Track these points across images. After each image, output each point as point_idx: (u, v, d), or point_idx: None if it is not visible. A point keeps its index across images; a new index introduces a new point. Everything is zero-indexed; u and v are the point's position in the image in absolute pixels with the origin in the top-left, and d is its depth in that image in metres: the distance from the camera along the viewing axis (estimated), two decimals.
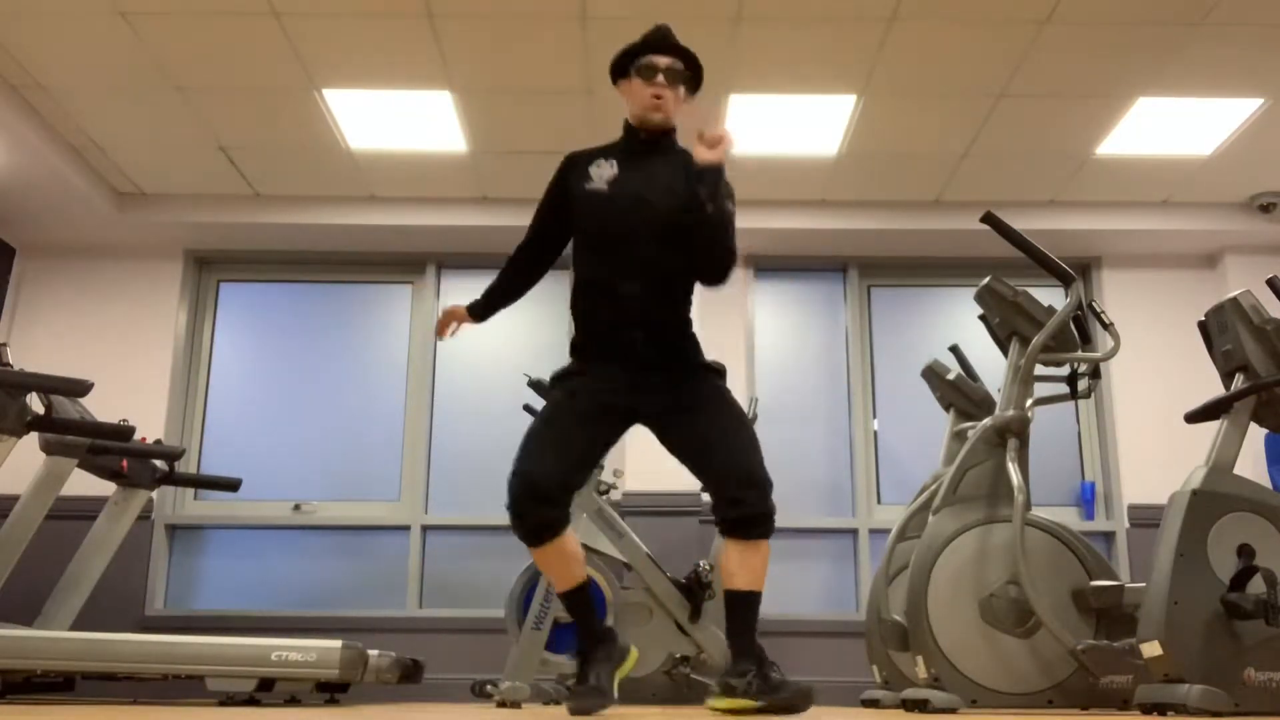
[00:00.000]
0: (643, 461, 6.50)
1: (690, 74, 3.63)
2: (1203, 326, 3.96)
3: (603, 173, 3.58)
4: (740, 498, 3.34)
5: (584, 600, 3.49)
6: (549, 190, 3.69)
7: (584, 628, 3.51)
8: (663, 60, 3.56)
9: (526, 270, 3.83)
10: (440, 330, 3.95)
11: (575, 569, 3.45)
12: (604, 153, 3.65)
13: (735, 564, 3.39)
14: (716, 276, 3.53)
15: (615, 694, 3.40)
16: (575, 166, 3.64)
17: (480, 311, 3.91)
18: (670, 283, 3.54)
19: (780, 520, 6.64)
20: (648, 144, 3.62)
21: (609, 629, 3.55)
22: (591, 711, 3.26)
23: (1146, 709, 3.58)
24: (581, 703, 3.26)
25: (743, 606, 3.44)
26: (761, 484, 3.36)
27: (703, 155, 3.38)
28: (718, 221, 3.41)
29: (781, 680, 3.32)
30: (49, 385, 4.63)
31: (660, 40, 3.60)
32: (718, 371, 3.61)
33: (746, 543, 3.38)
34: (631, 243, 3.49)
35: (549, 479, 3.30)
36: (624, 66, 3.63)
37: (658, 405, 3.49)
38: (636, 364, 3.51)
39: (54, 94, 5.77)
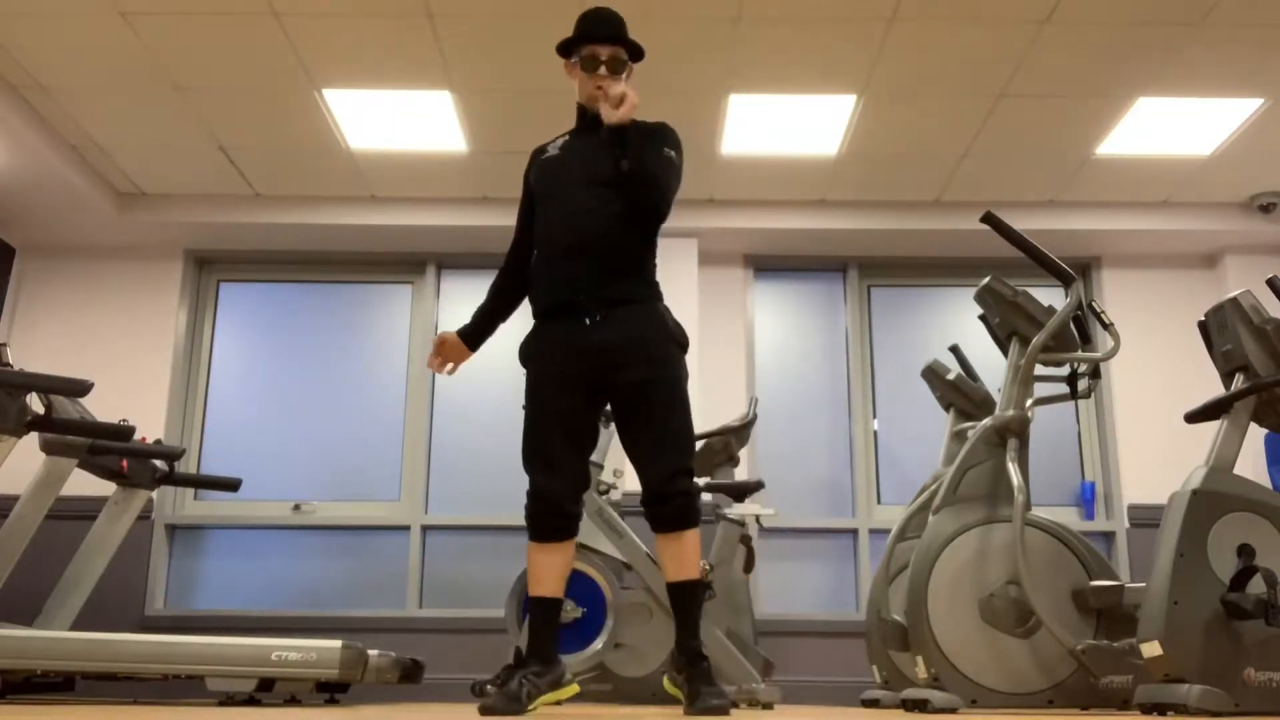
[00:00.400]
0: None
1: (631, 54, 3.75)
2: (1203, 326, 3.96)
3: (557, 144, 3.80)
4: (671, 500, 3.51)
5: (553, 615, 3.55)
6: (523, 186, 3.88)
7: (537, 642, 3.51)
8: (604, 51, 3.69)
9: (518, 271, 3.91)
10: (433, 363, 4.04)
11: (559, 579, 3.54)
12: (561, 136, 3.86)
13: (666, 556, 3.58)
14: (648, 224, 3.66)
15: (529, 710, 3.35)
16: (536, 155, 3.86)
17: (472, 336, 4.04)
18: (615, 223, 3.62)
19: (780, 520, 6.67)
20: (598, 121, 3.72)
21: (558, 659, 3.54)
22: (498, 713, 3.23)
23: (1146, 709, 3.58)
24: (493, 703, 3.26)
25: (682, 598, 3.60)
26: (677, 485, 3.51)
27: (608, 116, 3.50)
28: (638, 179, 3.55)
29: (701, 691, 3.43)
30: (49, 385, 4.63)
31: (601, 28, 3.70)
32: (679, 344, 3.65)
33: (679, 533, 3.55)
34: (575, 190, 3.65)
35: (563, 494, 3.50)
36: (569, 49, 3.77)
37: (615, 377, 3.56)
38: (588, 306, 3.58)
39: (54, 94, 5.77)
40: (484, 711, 3.23)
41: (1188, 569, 3.49)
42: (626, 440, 3.60)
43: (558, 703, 3.61)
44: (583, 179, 3.66)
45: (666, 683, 3.70)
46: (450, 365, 4.07)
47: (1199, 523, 3.54)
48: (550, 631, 3.53)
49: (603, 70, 3.67)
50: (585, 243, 3.60)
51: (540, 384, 3.62)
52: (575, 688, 3.61)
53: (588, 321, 3.58)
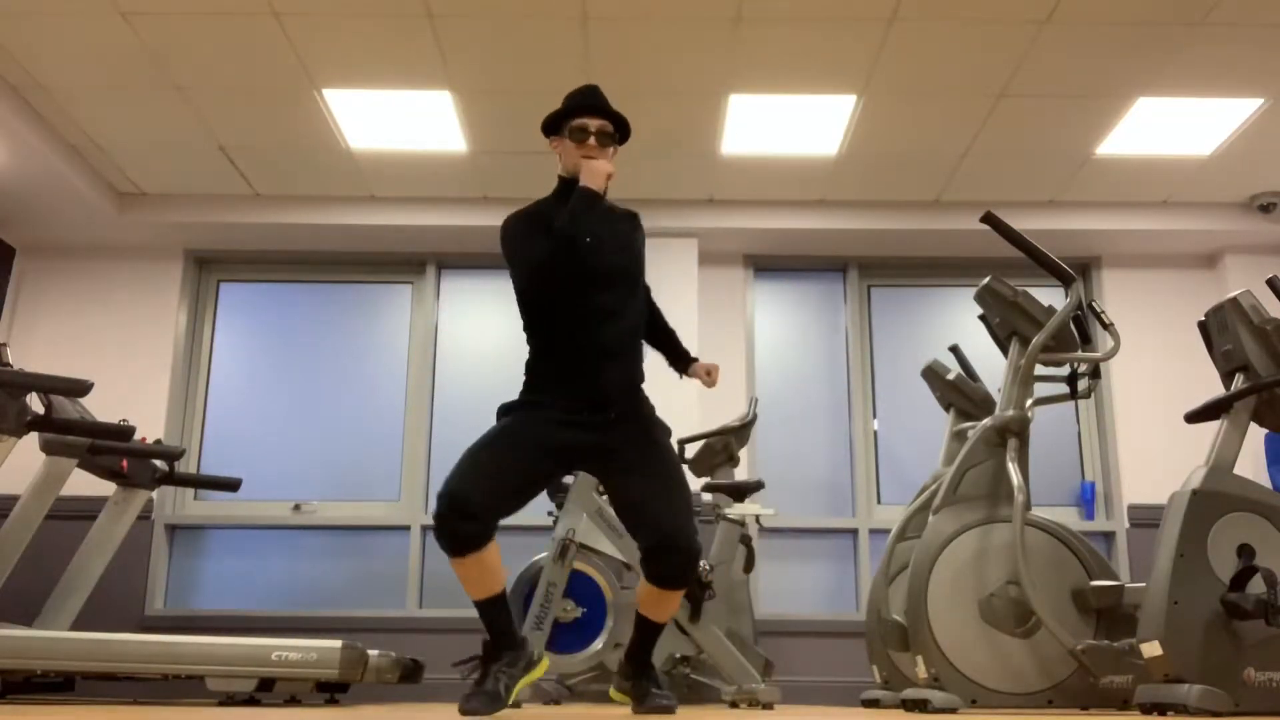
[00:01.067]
0: None
1: (618, 133, 3.79)
2: (1203, 326, 3.96)
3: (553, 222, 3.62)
4: (665, 560, 3.52)
5: (500, 607, 3.51)
6: (509, 251, 3.68)
7: (495, 633, 3.51)
8: (593, 123, 3.71)
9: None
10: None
11: (492, 580, 3.47)
12: (544, 206, 3.73)
13: (652, 601, 3.69)
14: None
15: (511, 701, 3.42)
16: (528, 222, 3.67)
17: None
18: (636, 324, 3.73)
19: (780, 520, 6.67)
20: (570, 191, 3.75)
21: (522, 639, 3.56)
22: (480, 713, 3.26)
23: (1146, 709, 3.58)
24: (472, 704, 3.27)
25: (649, 632, 3.80)
26: (687, 550, 3.51)
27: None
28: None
29: (649, 691, 3.73)
30: (49, 385, 4.63)
31: (590, 102, 3.73)
32: (665, 430, 3.73)
33: (669, 591, 3.63)
34: (601, 285, 3.64)
35: (477, 502, 3.35)
36: (557, 125, 3.77)
37: (605, 442, 3.60)
38: (593, 399, 3.60)
39: (54, 94, 5.77)
40: (465, 713, 3.24)
41: (1188, 569, 3.50)
42: (627, 497, 3.55)
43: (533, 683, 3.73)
44: (609, 271, 3.66)
45: (613, 691, 3.91)
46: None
47: (1199, 523, 3.55)
48: (507, 619, 3.52)
49: (591, 141, 3.68)
50: (617, 350, 3.64)
51: (516, 423, 3.58)
52: (545, 662, 3.67)
53: (581, 412, 3.60)
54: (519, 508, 3.51)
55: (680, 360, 4.09)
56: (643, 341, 3.82)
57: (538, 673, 3.59)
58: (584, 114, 3.71)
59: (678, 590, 3.60)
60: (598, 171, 3.56)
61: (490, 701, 3.31)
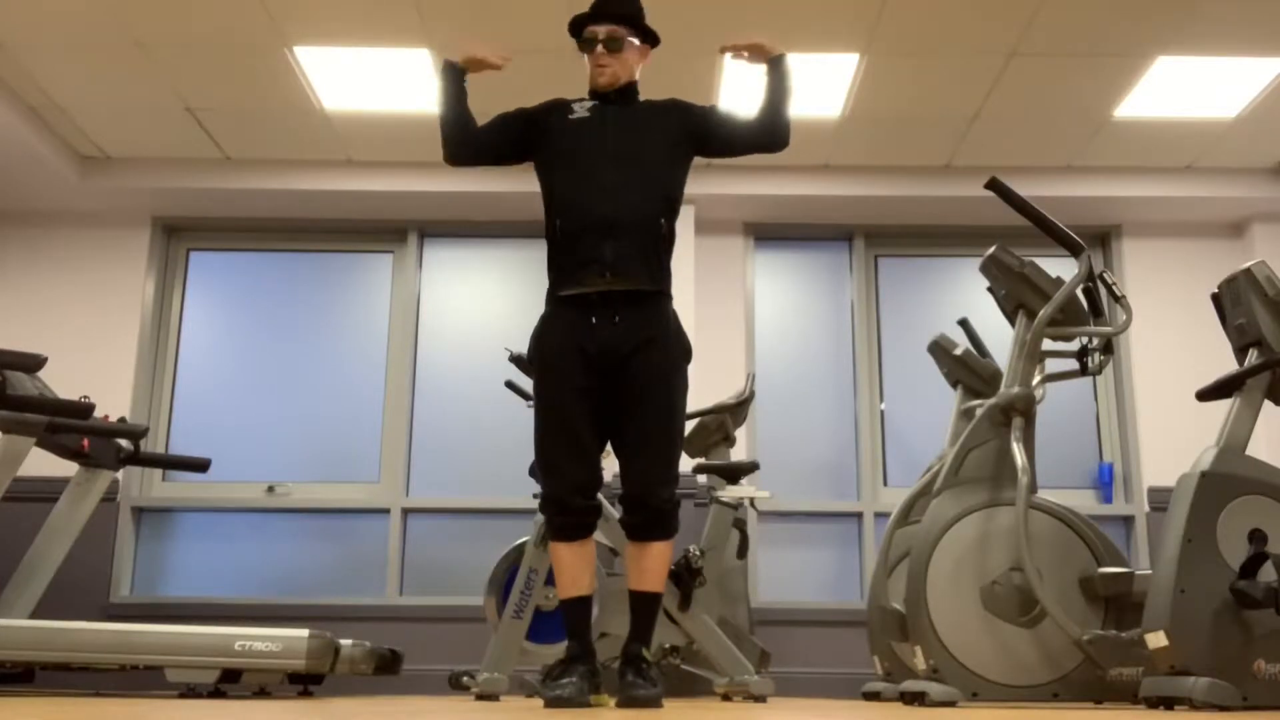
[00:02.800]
0: None
1: (635, 30, 3.96)
2: (1216, 299, 3.95)
3: (583, 106, 3.99)
4: (640, 512, 3.79)
5: (588, 614, 3.84)
6: (523, 115, 4.08)
7: (578, 640, 3.79)
8: (601, 29, 3.91)
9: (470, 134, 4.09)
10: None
11: (590, 577, 3.83)
12: (585, 100, 4.04)
13: (631, 560, 3.87)
14: (777, 139, 4.08)
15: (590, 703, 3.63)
16: (560, 108, 4.05)
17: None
18: (645, 204, 3.84)
19: (780, 503, 6.68)
20: (612, 100, 3.99)
21: (593, 652, 3.82)
22: (570, 706, 3.48)
23: (1152, 702, 3.59)
24: (568, 691, 3.53)
25: (636, 606, 3.89)
26: (656, 510, 3.78)
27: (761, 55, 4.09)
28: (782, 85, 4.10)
29: (634, 681, 3.74)
30: (1, 360, 4.63)
31: (599, 7, 3.94)
32: (684, 350, 3.93)
33: (644, 544, 3.83)
34: (606, 164, 3.85)
35: (578, 494, 3.75)
36: (576, 33, 4.00)
37: (617, 376, 3.79)
38: (606, 296, 3.79)
39: (10, 51, 5.76)
40: (552, 704, 3.47)
41: (1196, 555, 3.50)
42: (614, 441, 3.85)
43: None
44: (614, 154, 3.87)
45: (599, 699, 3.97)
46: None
47: (1208, 507, 3.54)
48: (586, 626, 3.82)
49: (599, 49, 3.89)
50: (617, 222, 3.78)
51: (548, 388, 3.83)
52: (607, 699, 3.84)
53: (595, 320, 3.79)
54: (600, 461, 3.86)
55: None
56: (660, 235, 3.86)
57: (606, 700, 3.79)
58: (592, 21, 3.92)
59: (646, 543, 3.80)
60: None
61: (578, 692, 3.57)
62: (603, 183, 3.81)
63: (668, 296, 3.90)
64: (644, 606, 3.86)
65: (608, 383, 3.80)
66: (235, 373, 7.22)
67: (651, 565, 3.81)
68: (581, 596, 3.81)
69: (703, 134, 3.99)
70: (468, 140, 4.01)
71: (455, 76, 4.07)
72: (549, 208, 3.91)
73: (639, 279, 3.79)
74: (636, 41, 3.97)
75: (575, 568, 3.78)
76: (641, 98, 4.05)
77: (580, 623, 3.81)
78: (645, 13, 4.01)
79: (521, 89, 6.05)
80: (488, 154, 4.06)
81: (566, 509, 3.75)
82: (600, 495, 3.91)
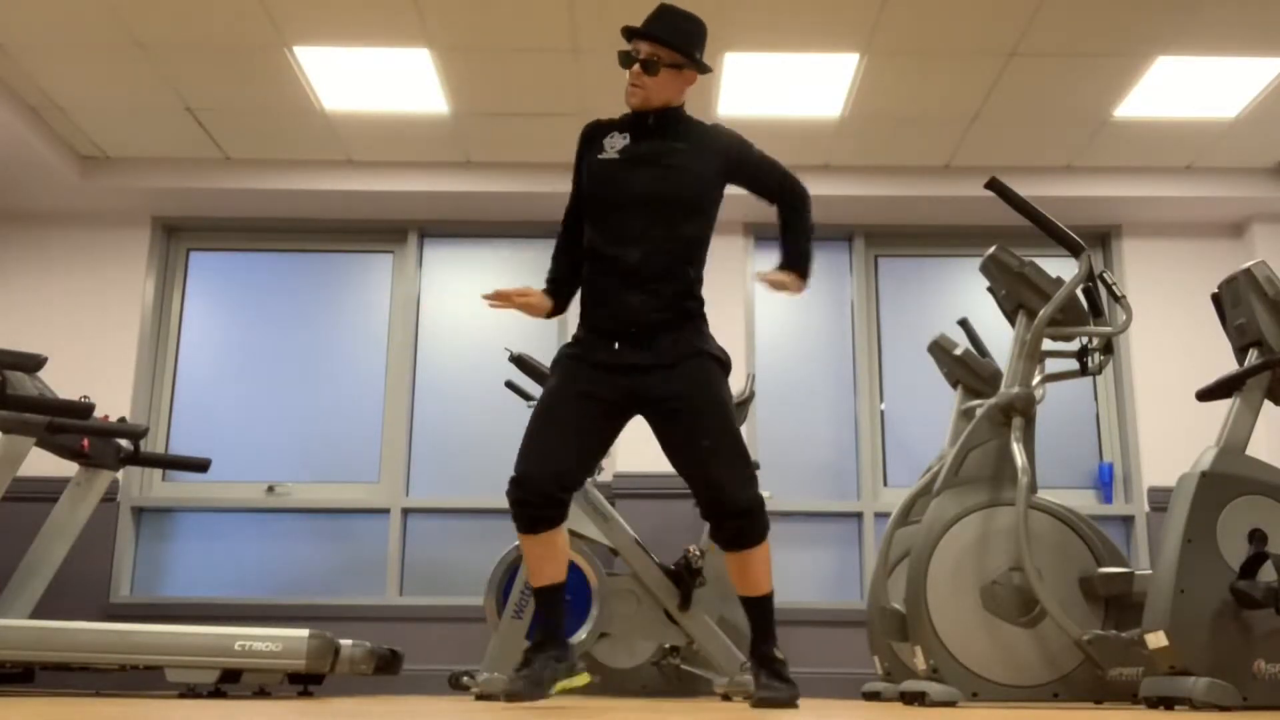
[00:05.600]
0: (632, 442, 6.50)
1: (681, 54, 3.78)
2: (1216, 299, 3.96)
3: (614, 143, 3.82)
4: (725, 523, 3.67)
5: (558, 600, 3.70)
6: (575, 164, 3.94)
7: (546, 627, 3.68)
8: (642, 47, 3.76)
9: (570, 251, 3.97)
10: (506, 296, 3.86)
11: (559, 566, 3.69)
12: (619, 125, 3.89)
13: (734, 570, 3.77)
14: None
15: (550, 694, 3.55)
16: (592, 138, 3.89)
17: (558, 298, 4.00)
18: (672, 251, 3.75)
19: (782, 504, 6.68)
20: (650, 123, 3.85)
21: (568, 645, 3.71)
22: (525, 699, 3.44)
23: (1152, 702, 3.59)
24: (517, 686, 3.46)
25: (750, 611, 3.80)
26: (745, 508, 3.65)
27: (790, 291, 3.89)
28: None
29: (764, 683, 3.70)
30: (1, 360, 4.64)
31: (647, 24, 3.78)
32: (720, 362, 3.78)
33: (739, 553, 3.71)
34: (633, 211, 3.73)
35: (548, 482, 3.59)
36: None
37: (651, 391, 3.70)
38: (634, 333, 3.71)
39: (10, 52, 5.76)
40: (509, 697, 3.42)
41: (1195, 555, 3.50)
42: (674, 459, 3.73)
43: (570, 690, 3.76)
44: (643, 199, 3.74)
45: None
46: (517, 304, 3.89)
47: (1208, 507, 3.55)
48: (559, 616, 3.70)
49: (636, 67, 3.76)
50: (642, 273, 3.70)
51: (563, 380, 3.73)
52: (586, 676, 3.78)
53: (619, 346, 3.72)
54: (593, 469, 3.75)
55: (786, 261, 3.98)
56: (689, 271, 3.78)
57: (576, 681, 3.76)
58: (637, 36, 3.78)
59: (747, 550, 3.69)
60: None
61: (533, 686, 3.49)
62: (628, 232, 3.72)
63: (701, 319, 3.80)
64: (760, 609, 3.78)
65: (637, 401, 3.71)
66: (235, 373, 7.22)
67: (756, 570, 3.71)
68: (548, 585, 3.69)
69: (740, 181, 3.95)
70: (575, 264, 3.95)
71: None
72: (586, 249, 3.85)
73: (666, 323, 3.72)
74: (678, 66, 3.79)
75: (541, 558, 3.66)
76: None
77: (547, 610, 3.69)
78: (700, 37, 3.84)
79: (521, 89, 6.06)
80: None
81: (527, 499, 3.58)
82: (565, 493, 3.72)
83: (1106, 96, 6.10)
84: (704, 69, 3.84)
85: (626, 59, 3.76)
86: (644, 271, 3.70)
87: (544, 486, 3.57)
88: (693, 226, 3.77)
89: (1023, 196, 4.43)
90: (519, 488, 3.59)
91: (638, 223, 3.72)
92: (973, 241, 7.37)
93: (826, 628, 6.73)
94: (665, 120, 3.84)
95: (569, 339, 3.83)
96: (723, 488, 3.62)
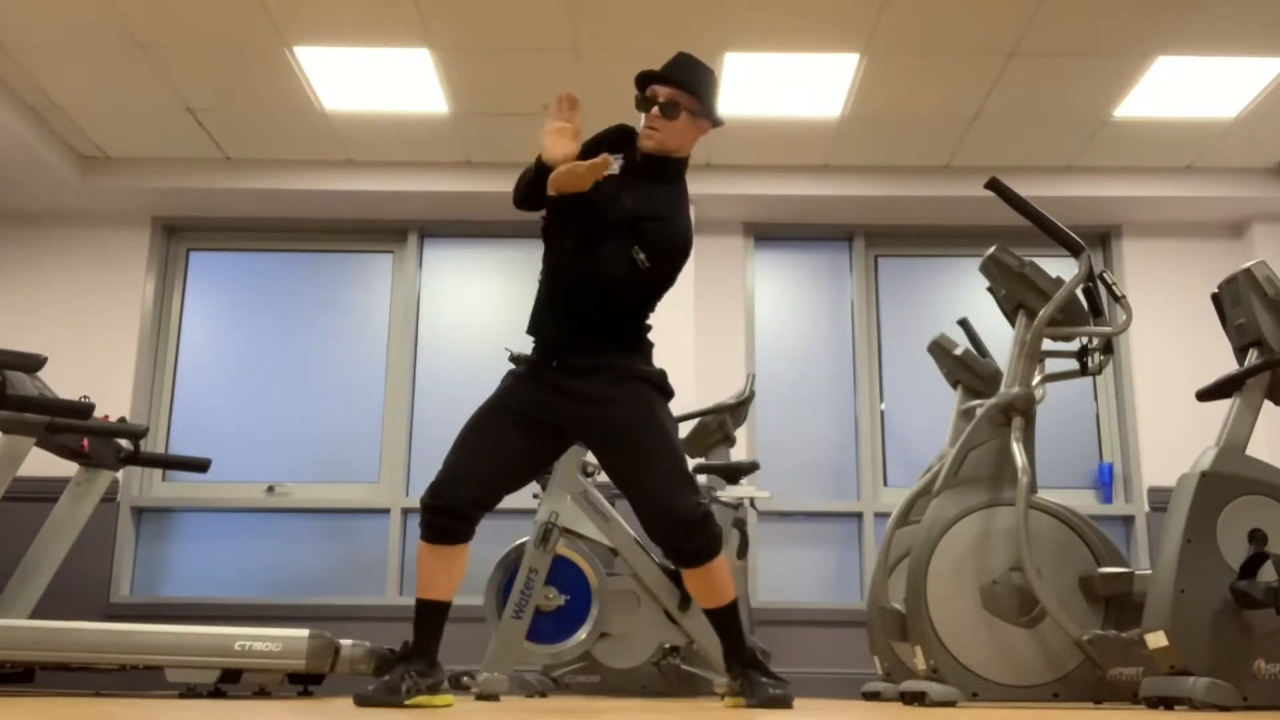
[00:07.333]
0: None
1: (699, 103, 3.73)
2: (1216, 299, 3.96)
3: (612, 169, 3.69)
4: (669, 543, 3.61)
5: (440, 619, 3.63)
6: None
7: (422, 643, 3.60)
8: (663, 92, 3.70)
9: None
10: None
11: (448, 584, 3.61)
12: (604, 140, 3.85)
13: (694, 586, 3.73)
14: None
15: (408, 703, 3.47)
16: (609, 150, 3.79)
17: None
18: (613, 292, 3.66)
19: (780, 503, 6.66)
20: (649, 164, 3.77)
21: (439, 664, 3.62)
22: (376, 704, 3.38)
23: (1152, 702, 3.59)
24: (371, 694, 3.42)
25: (716, 622, 3.78)
26: (683, 525, 3.56)
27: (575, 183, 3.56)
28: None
29: (761, 682, 3.68)
30: (1, 360, 4.64)
31: (667, 69, 3.74)
32: (654, 383, 3.71)
33: (692, 570, 3.67)
34: (587, 241, 3.65)
35: (463, 497, 3.53)
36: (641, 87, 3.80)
37: (583, 420, 3.66)
38: (564, 361, 3.68)
39: (10, 52, 5.76)
40: (360, 701, 3.39)
41: (1196, 555, 3.50)
42: (614, 473, 3.65)
43: (430, 706, 3.61)
44: (610, 220, 3.64)
45: (727, 701, 3.84)
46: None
47: (1208, 506, 3.55)
48: (436, 634, 3.62)
49: (655, 111, 3.69)
50: (577, 305, 3.67)
51: (508, 400, 3.68)
52: (450, 699, 3.68)
53: (555, 366, 3.68)
54: (510, 491, 3.65)
55: None
56: (633, 307, 3.70)
57: (438, 701, 3.58)
58: (657, 81, 3.72)
59: (702, 565, 3.63)
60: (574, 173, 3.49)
61: (388, 694, 3.44)
62: (563, 300, 3.70)
63: (638, 354, 3.73)
64: (728, 619, 3.74)
65: (575, 428, 3.67)
66: (235, 373, 7.22)
67: (713, 582, 3.65)
68: (435, 601, 3.60)
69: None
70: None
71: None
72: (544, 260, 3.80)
73: (594, 357, 3.67)
74: (694, 113, 3.73)
75: (437, 571, 3.58)
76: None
77: (427, 624, 3.60)
78: (715, 89, 3.80)
79: (521, 89, 6.07)
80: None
81: (440, 506, 3.51)
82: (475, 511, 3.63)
83: (1106, 96, 6.10)
84: (718, 122, 3.82)
85: (645, 103, 3.70)
86: (579, 306, 3.67)
87: (455, 503, 3.51)
88: (640, 263, 3.62)
89: (1022, 196, 4.42)
90: (435, 500, 3.53)
91: (586, 254, 3.64)
92: (973, 241, 7.37)
93: (826, 628, 6.73)
94: (663, 168, 3.77)
95: None
96: (666, 502, 3.55)
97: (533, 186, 3.70)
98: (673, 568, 5.44)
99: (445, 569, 3.58)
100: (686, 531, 3.55)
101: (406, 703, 3.44)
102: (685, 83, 3.70)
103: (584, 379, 3.65)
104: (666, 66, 3.74)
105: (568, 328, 3.69)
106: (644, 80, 3.75)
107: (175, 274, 7.34)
